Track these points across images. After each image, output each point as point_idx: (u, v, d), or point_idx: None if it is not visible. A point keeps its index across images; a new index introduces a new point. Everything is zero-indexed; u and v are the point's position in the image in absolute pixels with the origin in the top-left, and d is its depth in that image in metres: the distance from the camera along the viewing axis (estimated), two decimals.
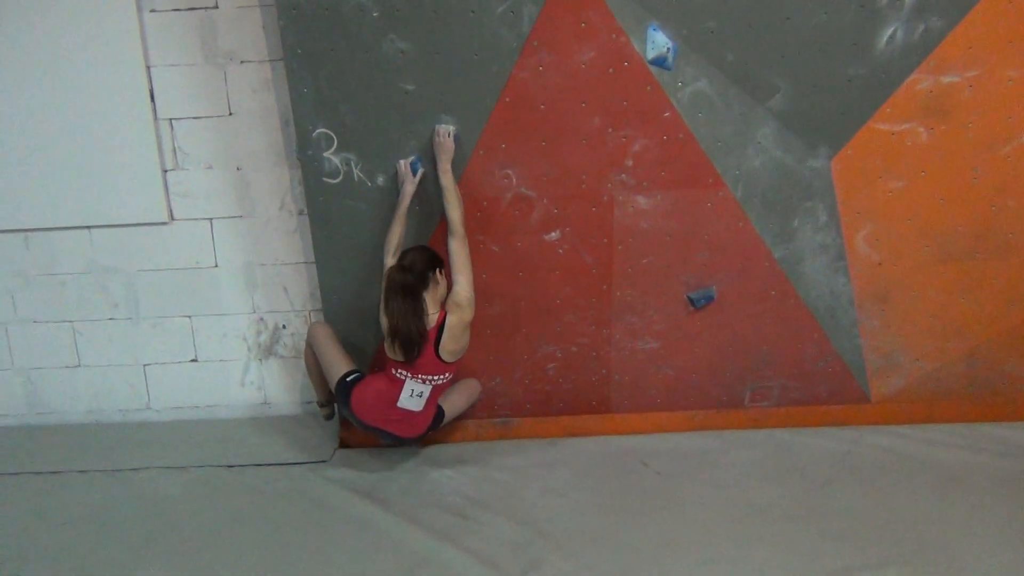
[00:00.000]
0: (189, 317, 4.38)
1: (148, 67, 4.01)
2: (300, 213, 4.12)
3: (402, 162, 3.59)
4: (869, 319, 3.84)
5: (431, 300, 3.48)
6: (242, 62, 3.99)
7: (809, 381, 3.95)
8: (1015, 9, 3.36)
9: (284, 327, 4.38)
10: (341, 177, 3.68)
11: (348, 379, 3.65)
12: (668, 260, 3.72)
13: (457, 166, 3.55)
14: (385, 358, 3.57)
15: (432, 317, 3.47)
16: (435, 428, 3.73)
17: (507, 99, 3.49)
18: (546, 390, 4.00)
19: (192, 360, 4.44)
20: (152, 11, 3.95)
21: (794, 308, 3.81)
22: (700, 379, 3.97)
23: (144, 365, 4.46)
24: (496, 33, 3.41)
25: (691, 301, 3.77)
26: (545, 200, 3.64)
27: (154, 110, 4.07)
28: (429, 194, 3.67)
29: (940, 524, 3.21)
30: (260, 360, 4.44)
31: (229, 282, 4.32)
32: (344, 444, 4.09)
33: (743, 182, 3.61)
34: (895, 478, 3.53)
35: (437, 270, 3.49)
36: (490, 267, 3.69)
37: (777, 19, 3.38)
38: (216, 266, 4.29)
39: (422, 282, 3.44)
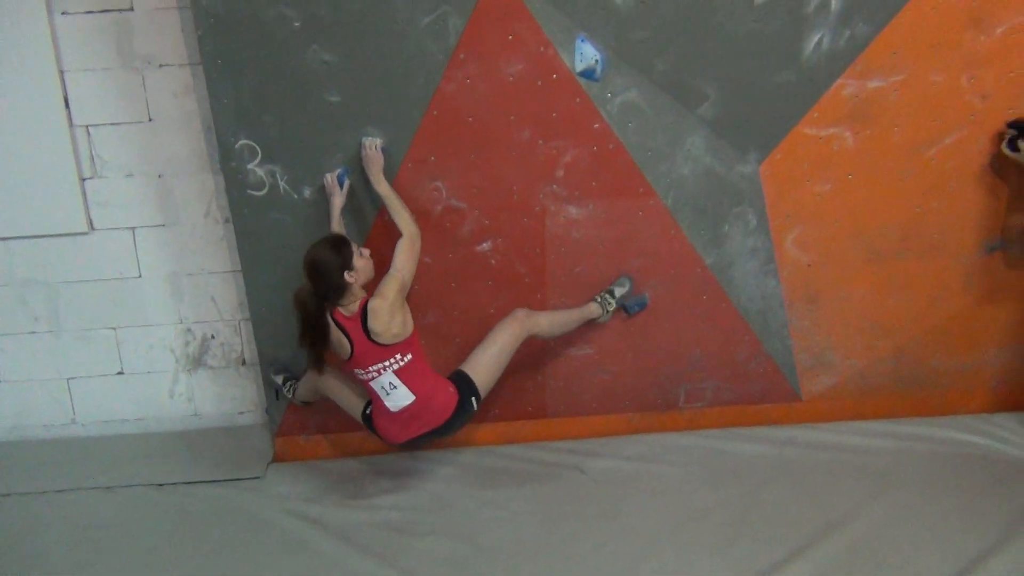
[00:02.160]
0: (114, 329, 4.25)
1: (62, 72, 3.84)
2: (227, 221, 4.01)
3: (328, 175, 3.50)
4: (799, 320, 3.89)
5: (350, 297, 3.30)
6: (161, 66, 3.84)
7: (742, 382, 4.00)
8: (938, 15, 3.39)
9: (213, 337, 4.28)
10: (266, 189, 3.58)
11: (367, 412, 3.54)
12: (601, 268, 3.71)
13: (386, 178, 3.48)
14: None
15: (353, 306, 3.30)
16: (469, 400, 3.42)
17: (435, 112, 3.42)
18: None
19: (118, 373, 4.32)
20: (64, 13, 3.77)
21: (726, 311, 3.84)
22: (635, 383, 3.99)
23: (68, 379, 4.33)
24: (422, 45, 3.33)
25: (624, 308, 3.78)
26: (476, 211, 3.59)
27: (69, 116, 3.90)
28: (360, 205, 3.60)
29: (871, 523, 3.29)
30: (189, 371, 4.33)
31: (154, 292, 4.20)
32: (279, 458, 4.03)
33: (674, 190, 3.60)
34: (827, 478, 3.61)
35: (347, 272, 3.24)
36: (423, 278, 3.63)
37: (706, 28, 3.36)
38: (140, 276, 4.16)
39: (334, 296, 3.27)
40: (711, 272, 3.76)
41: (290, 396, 3.85)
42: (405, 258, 3.34)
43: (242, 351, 4.30)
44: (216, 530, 3.50)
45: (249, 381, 4.34)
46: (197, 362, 4.32)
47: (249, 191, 3.59)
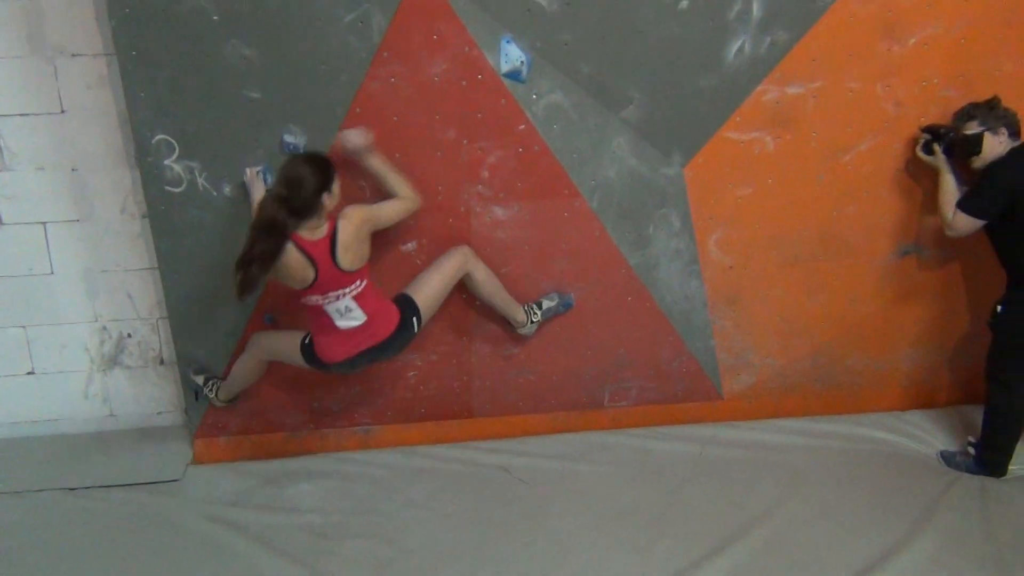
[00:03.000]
0: (23, 327, 4.09)
1: None
2: (144, 216, 3.89)
3: (248, 169, 3.43)
4: (721, 320, 3.96)
5: (316, 220, 3.14)
6: (73, 55, 3.70)
7: (665, 381, 4.05)
8: (856, 23, 3.48)
9: (130, 336, 4.16)
10: (184, 186, 3.49)
11: (307, 341, 3.43)
12: (526, 269, 3.71)
13: None
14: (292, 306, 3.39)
15: (320, 230, 3.14)
16: (411, 319, 3.40)
17: (358, 110, 3.37)
18: (407, 397, 3.96)
19: (29, 373, 4.17)
20: None
21: (650, 312, 3.88)
22: (561, 382, 4.01)
23: None
24: (345, 42, 3.27)
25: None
26: None
27: None
28: None
29: (786, 520, 3.37)
30: (104, 371, 4.20)
31: (67, 289, 4.05)
32: (198, 460, 3.94)
33: (599, 191, 3.62)
34: (746, 476, 3.69)
35: (325, 193, 3.09)
36: None
37: (631, 32, 3.38)
38: (52, 273, 4.01)
39: (302, 214, 3.07)
40: (636, 273, 3.79)
41: (212, 395, 3.77)
42: (388, 206, 3.32)
43: (160, 350, 4.19)
44: (131, 536, 3.41)
45: (167, 381, 4.23)
46: (113, 361, 4.19)
47: (167, 187, 3.49)
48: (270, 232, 3.02)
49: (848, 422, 4.05)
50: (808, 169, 3.71)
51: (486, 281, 3.60)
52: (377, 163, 3.35)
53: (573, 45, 3.37)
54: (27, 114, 3.77)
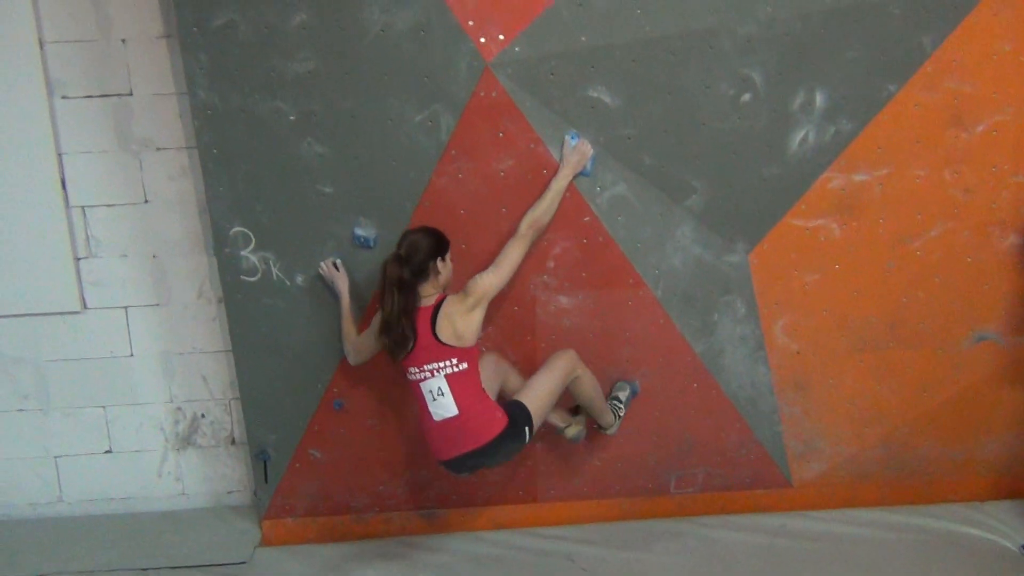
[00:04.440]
0: (103, 407, 4.24)
1: (59, 154, 3.89)
2: (219, 300, 4.03)
3: (323, 264, 3.55)
4: (789, 406, 3.90)
5: (430, 287, 3.27)
6: (158, 149, 3.89)
7: (732, 468, 3.99)
8: (922, 112, 3.47)
9: (203, 416, 4.27)
10: (259, 275, 3.61)
11: None
12: (591, 357, 3.71)
13: (376, 268, 3.51)
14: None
15: (428, 299, 3.25)
16: (523, 428, 3.28)
17: (426, 204, 3.47)
18: (472, 481, 3.96)
19: (106, 451, 4.30)
20: (64, 97, 3.83)
21: (716, 398, 3.85)
22: (626, 468, 3.98)
23: (55, 457, 4.29)
24: (414, 140, 3.39)
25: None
26: None
27: (65, 198, 3.94)
28: (359, 287, 3.62)
29: None
30: (178, 450, 4.31)
31: (145, 371, 4.19)
32: (266, 542, 3.99)
33: (663, 280, 3.64)
34: (817, 570, 3.58)
35: (439, 259, 3.24)
36: None
37: (693, 124, 3.43)
38: (131, 355, 4.16)
39: (420, 274, 3.22)
40: (701, 360, 3.77)
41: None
42: (504, 264, 3.32)
43: (232, 430, 4.29)
44: None
45: (238, 461, 4.32)
46: (186, 441, 4.30)
47: (242, 277, 3.62)
48: (400, 289, 3.17)
49: (924, 514, 3.92)
50: (876, 255, 3.68)
51: (591, 385, 3.58)
52: (560, 186, 3.41)
53: (636, 139, 3.43)
54: (113, 204, 3.96)
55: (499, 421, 3.24)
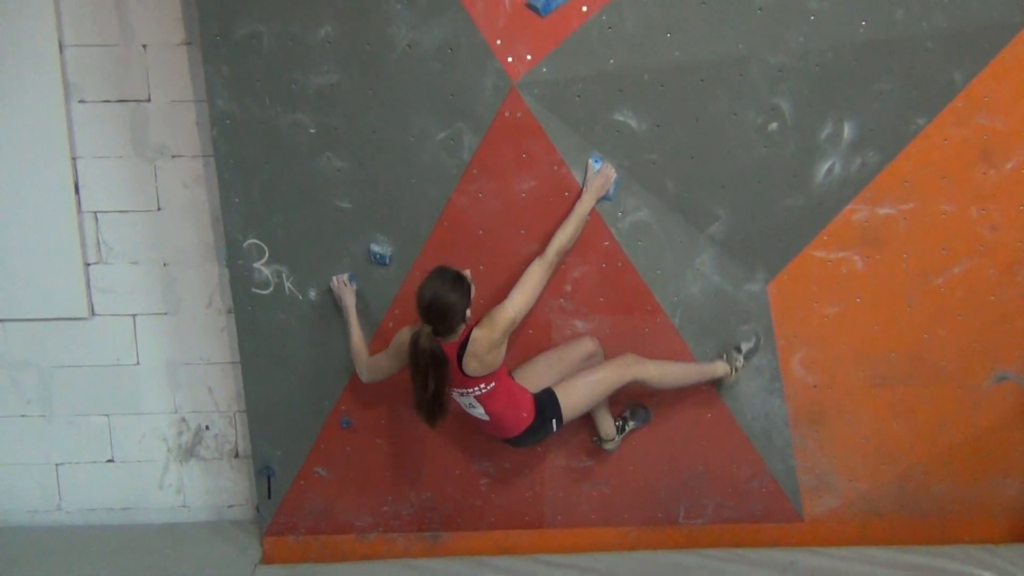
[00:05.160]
0: (107, 416, 4.18)
1: (74, 158, 3.84)
2: (229, 311, 3.97)
3: (335, 278, 3.49)
4: (803, 440, 3.83)
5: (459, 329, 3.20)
6: (173, 156, 3.85)
7: (743, 500, 3.92)
8: (949, 147, 3.42)
9: (207, 428, 4.21)
10: (272, 289, 3.56)
11: None
12: None
13: (391, 286, 3.47)
14: None
15: (455, 335, 3.18)
16: (549, 420, 3.35)
17: (445, 223, 3.42)
18: (478, 505, 3.91)
19: (108, 460, 4.23)
20: (81, 102, 3.79)
21: (729, 429, 3.79)
22: (634, 496, 3.91)
23: (56, 464, 4.23)
24: (436, 158, 3.35)
25: (625, 422, 3.73)
26: None
27: (78, 202, 3.89)
28: (371, 304, 3.58)
29: None
30: (180, 462, 4.25)
31: (150, 380, 4.14)
32: (267, 560, 3.92)
33: (681, 307, 3.59)
34: None
35: (468, 310, 3.13)
36: None
37: (719, 152, 3.38)
38: (137, 363, 4.11)
39: (451, 333, 3.15)
40: (715, 389, 3.71)
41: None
42: (529, 288, 3.26)
43: (236, 443, 4.23)
44: None
45: (240, 474, 4.26)
46: (189, 452, 4.24)
47: (254, 289, 3.57)
48: (435, 367, 3.12)
49: (938, 554, 3.85)
50: (898, 290, 3.62)
51: (665, 376, 3.52)
52: (584, 210, 3.34)
53: (660, 164, 3.39)
54: (125, 211, 3.92)
55: (524, 420, 3.34)
